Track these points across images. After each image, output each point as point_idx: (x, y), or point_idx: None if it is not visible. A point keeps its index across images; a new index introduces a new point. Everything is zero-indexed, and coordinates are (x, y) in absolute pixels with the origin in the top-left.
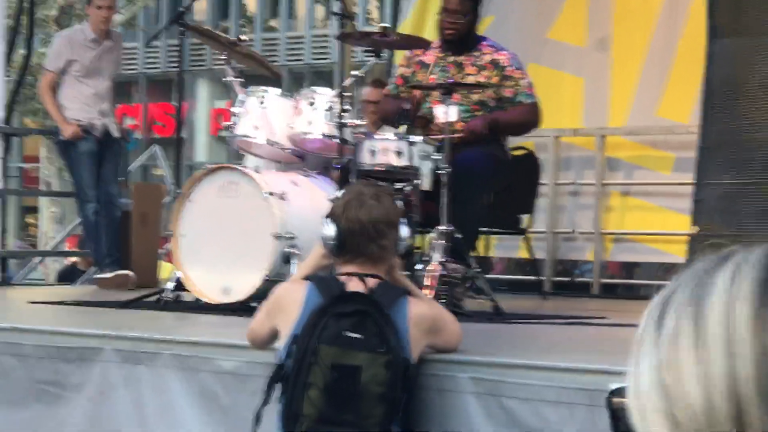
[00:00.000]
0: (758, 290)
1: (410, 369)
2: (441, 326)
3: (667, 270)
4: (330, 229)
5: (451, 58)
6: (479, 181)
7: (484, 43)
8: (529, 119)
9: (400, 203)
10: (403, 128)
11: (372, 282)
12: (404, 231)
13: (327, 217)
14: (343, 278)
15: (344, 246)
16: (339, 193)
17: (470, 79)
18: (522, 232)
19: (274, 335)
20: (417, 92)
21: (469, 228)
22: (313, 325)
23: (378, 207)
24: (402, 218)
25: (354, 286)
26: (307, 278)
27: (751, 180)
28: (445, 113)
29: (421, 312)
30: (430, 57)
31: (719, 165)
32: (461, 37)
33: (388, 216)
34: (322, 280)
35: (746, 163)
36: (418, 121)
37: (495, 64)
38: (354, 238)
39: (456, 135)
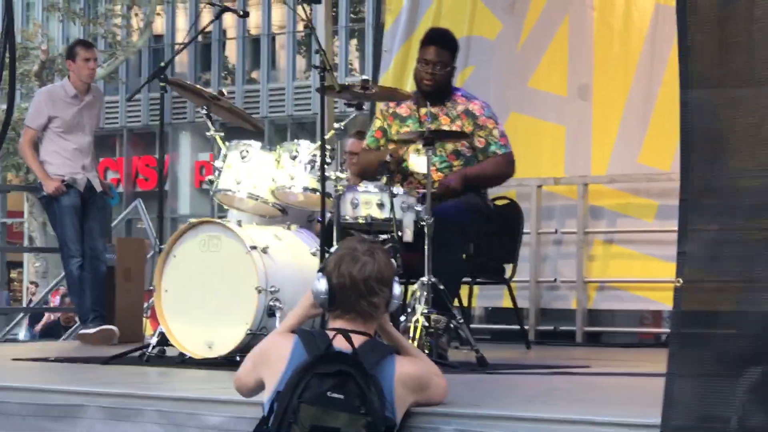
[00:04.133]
0: None
1: (392, 429)
2: (427, 383)
3: (652, 317)
4: (322, 284)
5: (424, 110)
6: (459, 232)
7: (458, 93)
8: (503, 171)
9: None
10: (384, 180)
11: (359, 340)
12: (397, 289)
13: (319, 271)
14: (330, 334)
15: (335, 301)
16: (333, 248)
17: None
18: (505, 281)
19: (260, 386)
20: (395, 145)
21: (450, 278)
22: (295, 384)
23: (371, 264)
24: (395, 276)
25: (341, 342)
26: (295, 331)
27: (736, 227)
28: (422, 163)
29: (408, 371)
30: (403, 109)
31: (703, 214)
32: (438, 87)
33: (381, 273)
34: (308, 336)
35: (730, 211)
36: (397, 174)
37: (468, 113)
38: (345, 294)
39: (434, 187)
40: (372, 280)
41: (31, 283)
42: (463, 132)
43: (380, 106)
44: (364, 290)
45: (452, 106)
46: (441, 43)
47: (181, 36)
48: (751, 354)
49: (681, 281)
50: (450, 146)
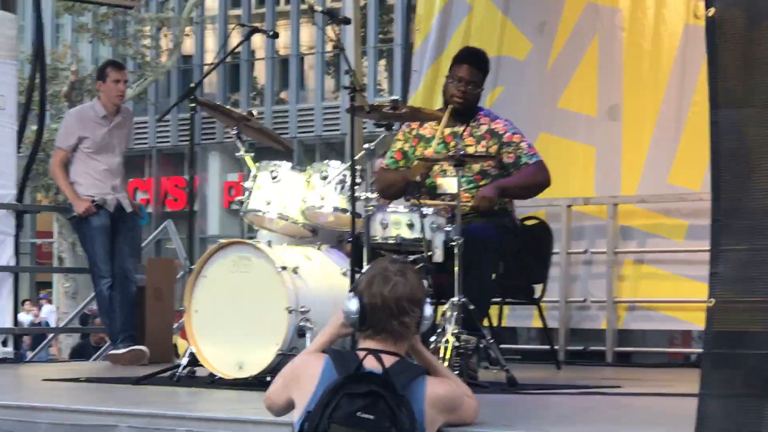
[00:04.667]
0: None
1: None
2: (458, 404)
3: (681, 337)
4: (353, 304)
5: (449, 130)
6: (489, 251)
7: (481, 113)
8: (539, 179)
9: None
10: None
11: (390, 360)
12: (428, 309)
13: (351, 291)
14: (361, 354)
15: (366, 321)
16: (365, 268)
17: (469, 150)
18: (535, 301)
19: (290, 405)
20: (421, 164)
21: (480, 298)
22: (325, 404)
23: (403, 284)
24: (427, 296)
25: (371, 362)
26: (325, 351)
27: (766, 247)
28: (451, 183)
29: (438, 392)
30: (427, 130)
31: (733, 235)
32: (467, 106)
33: (413, 293)
34: (339, 355)
35: (760, 231)
36: (424, 195)
37: (492, 133)
38: (376, 314)
39: (466, 204)
40: (403, 300)
41: (26, 300)
42: (489, 154)
43: (403, 127)
44: (396, 310)
45: (476, 125)
46: (475, 63)
47: (210, 57)
48: None
49: (714, 301)
50: (476, 166)
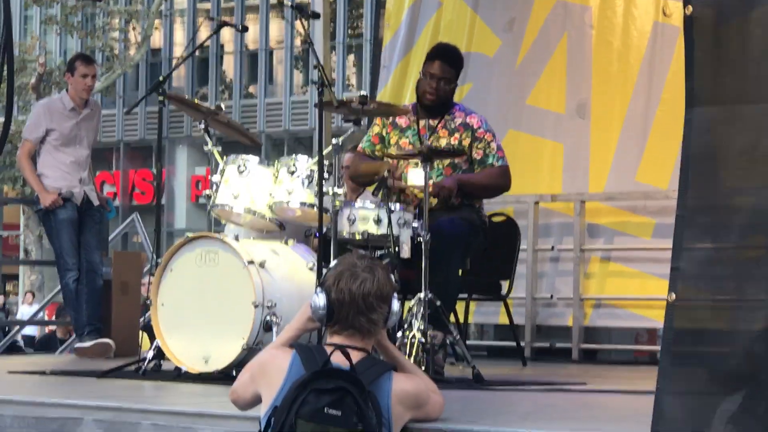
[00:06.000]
0: None
1: None
2: (424, 400)
3: (647, 335)
4: (321, 299)
5: (423, 122)
6: (456, 248)
7: (456, 107)
8: (498, 182)
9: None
10: (381, 196)
11: (357, 356)
12: (395, 305)
13: (318, 286)
14: (328, 349)
15: (333, 317)
16: (332, 263)
17: (443, 142)
18: (502, 298)
19: (256, 399)
20: (392, 161)
21: (447, 294)
22: (292, 399)
23: (371, 280)
24: (395, 292)
25: (339, 358)
26: (292, 346)
27: (730, 246)
28: (419, 177)
29: (405, 388)
30: (403, 119)
31: (697, 231)
32: (440, 103)
33: (381, 290)
34: (307, 351)
35: (725, 229)
36: (394, 188)
37: (466, 126)
38: (343, 310)
39: (432, 198)
40: (371, 296)
41: None
42: (459, 150)
43: None
44: (363, 307)
45: (451, 119)
46: (446, 59)
47: (178, 50)
48: (740, 373)
49: (674, 296)
50: (447, 160)
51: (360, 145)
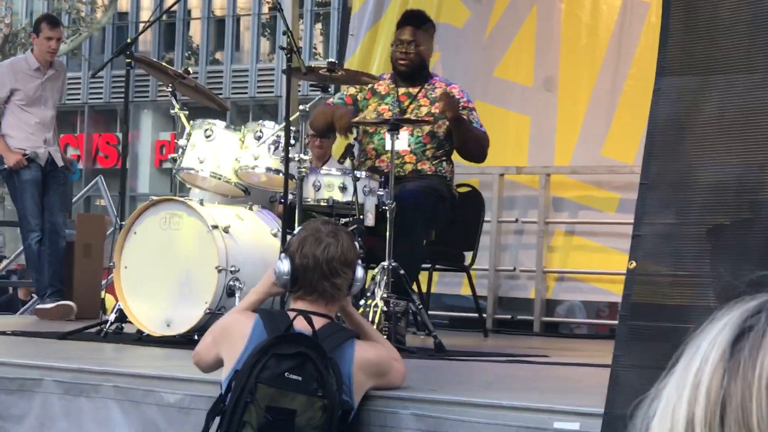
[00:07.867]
0: (728, 348)
1: (350, 413)
2: (386, 368)
3: (608, 310)
4: (285, 264)
5: (403, 90)
6: (421, 217)
7: (436, 78)
8: (484, 145)
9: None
10: (348, 163)
11: (320, 322)
12: (360, 272)
13: (283, 251)
14: (291, 314)
15: (297, 282)
16: (296, 230)
17: (423, 111)
18: (465, 268)
19: (218, 362)
20: (347, 119)
21: (410, 263)
22: (253, 364)
23: (335, 245)
24: (359, 258)
25: (301, 324)
26: (256, 310)
27: (691, 220)
28: (398, 142)
29: (367, 356)
30: (383, 86)
31: (659, 203)
32: (414, 68)
33: (345, 255)
34: (269, 315)
35: (686, 204)
36: (371, 151)
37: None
38: (307, 275)
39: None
40: (335, 261)
41: None
42: (427, 120)
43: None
44: (327, 271)
45: (431, 89)
46: (414, 23)
47: (145, 14)
48: None
49: (634, 264)
50: (427, 127)
51: (331, 100)
